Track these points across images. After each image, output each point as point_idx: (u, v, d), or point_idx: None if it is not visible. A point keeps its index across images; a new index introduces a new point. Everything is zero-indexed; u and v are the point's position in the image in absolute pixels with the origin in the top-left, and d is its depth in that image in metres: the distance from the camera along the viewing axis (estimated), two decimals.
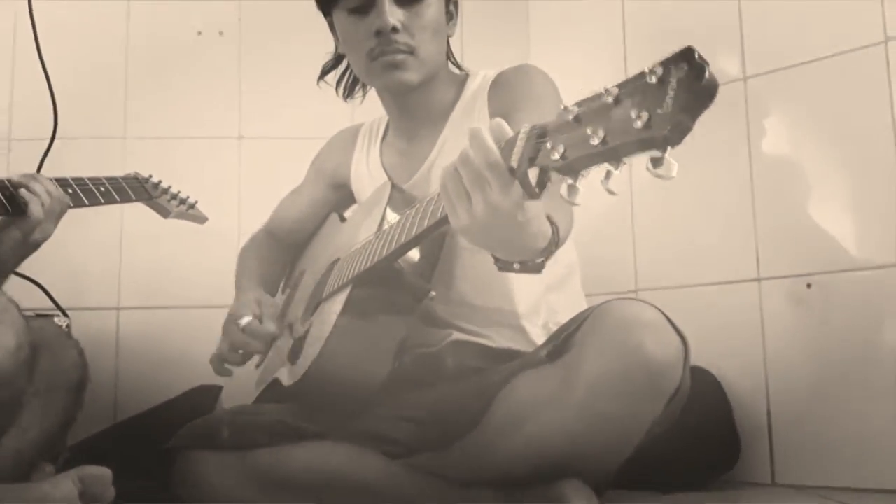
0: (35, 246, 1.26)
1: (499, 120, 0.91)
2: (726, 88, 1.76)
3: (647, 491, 1.51)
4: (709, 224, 1.80)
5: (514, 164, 0.84)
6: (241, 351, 1.42)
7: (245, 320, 1.41)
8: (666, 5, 1.90)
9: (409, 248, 1.21)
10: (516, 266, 1.03)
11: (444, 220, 1.04)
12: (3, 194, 1.22)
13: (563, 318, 1.30)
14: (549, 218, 1.02)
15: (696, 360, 1.29)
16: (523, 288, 1.40)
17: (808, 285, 1.64)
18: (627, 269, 1.93)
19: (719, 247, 1.78)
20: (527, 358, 1.27)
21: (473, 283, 1.40)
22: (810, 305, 1.64)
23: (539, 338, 1.36)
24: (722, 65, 1.78)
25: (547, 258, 1.04)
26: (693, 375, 1.19)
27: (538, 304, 1.41)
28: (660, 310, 1.16)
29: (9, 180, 1.24)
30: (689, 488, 1.57)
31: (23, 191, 1.23)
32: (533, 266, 1.04)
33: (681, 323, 1.16)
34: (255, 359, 1.50)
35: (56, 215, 1.28)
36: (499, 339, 1.39)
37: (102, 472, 1.19)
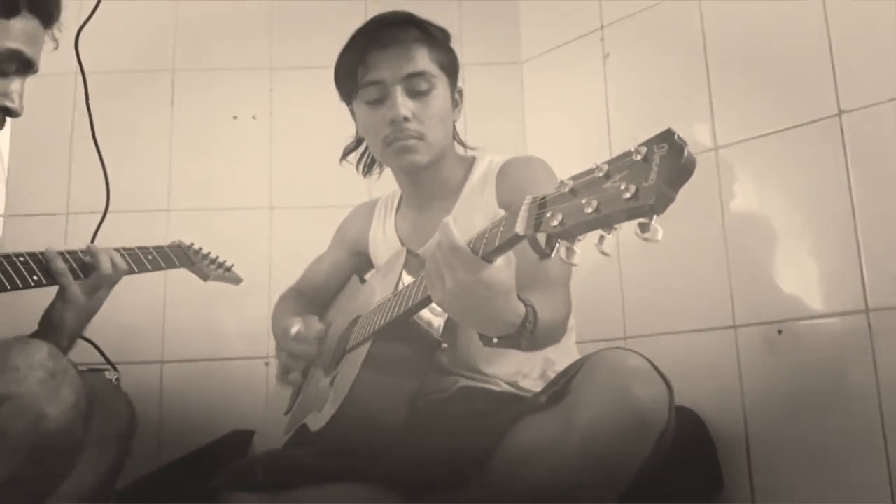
0: (96, 311, 1.27)
1: (448, 219, 0.99)
2: (700, 157, 1.77)
3: None
4: (688, 278, 1.79)
5: (520, 231, 0.85)
6: (300, 360, 1.44)
7: (294, 329, 1.43)
8: (645, 83, 1.92)
9: (421, 308, 1.20)
10: (495, 340, 1.07)
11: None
12: (75, 262, 1.23)
13: (560, 367, 1.29)
14: (522, 299, 1.06)
15: (679, 399, 1.28)
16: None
17: (780, 331, 1.63)
18: (616, 317, 1.92)
19: (698, 298, 1.77)
20: (528, 402, 1.24)
21: (476, 342, 1.40)
22: (782, 349, 1.63)
23: (536, 386, 1.34)
24: (695, 135, 1.79)
25: (526, 336, 1.07)
26: (678, 414, 1.16)
27: (534, 361, 1.40)
28: (646, 358, 1.15)
29: (80, 251, 1.26)
30: None
31: (90, 259, 1.25)
32: (510, 341, 1.07)
33: (665, 366, 1.15)
34: (286, 405, 1.49)
35: (114, 283, 1.28)
36: (503, 385, 1.38)
37: None
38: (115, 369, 1.77)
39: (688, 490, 1.59)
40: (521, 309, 1.06)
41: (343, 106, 1.51)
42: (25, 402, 0.92)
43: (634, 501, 1.33)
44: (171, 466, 1.73)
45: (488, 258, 0.97)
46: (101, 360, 1.83)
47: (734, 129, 1.74)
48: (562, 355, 1.35)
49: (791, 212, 1.67)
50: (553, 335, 1.23)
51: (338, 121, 1.55)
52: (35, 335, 1.24)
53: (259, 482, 1.27)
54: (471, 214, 1.39)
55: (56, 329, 1.24)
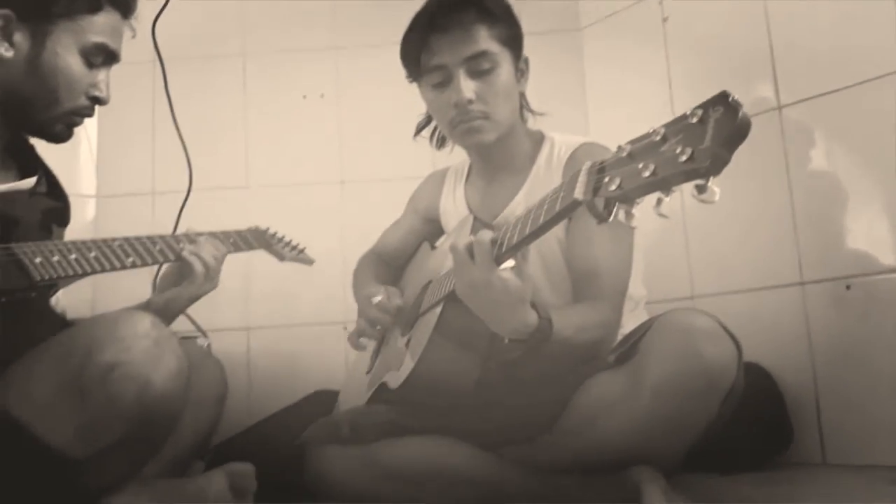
0: (204, 294, 1.34)
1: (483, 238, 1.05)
2: (764, 116, 1.74)
3: (708, 473, 1.50)
4: (754, 235, 1.77)
5: (580, 196, 0.86)
6: (377, 327, 1.48)
7: (377, 298, 1.47)
8: (705, 46, 1.89)
9: None
10: (506, 340, 1.14)
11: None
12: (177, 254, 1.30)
13: (628, 329, 1.31)
14: (536, 309, 1.12)
15: (748, 356, 1.28)
16: None
17: (848, 287, 1.60)
18: (683, 277, 1.91)
19: (765, 255, 1.75)
20: (598, 362, 1.27)
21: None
22: (850, 305, 1.60)
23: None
24: (758, 95, 1.76)
25: (532, 345, 1.13)
26: (746, 370, 1.18)
27: None
28: (715, 317, 1.16)
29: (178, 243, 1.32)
30: (746, 470, 1.55)
31: (186, 253, 1.31)
32: (520, 345, 1.13)
33: (733, 324, 1.16)
34: (366, 365, 1.55)
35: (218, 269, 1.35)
36: None
37: (246, 468, 1.21)
38: (205, 336, 1.86)
39: (756, 442, 1.60)
40: (533, 320, 1.11)
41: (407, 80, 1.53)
42: (133, 369, 0.97)
43: (704, 455, 1.36)
44: (261, 424, 1.80)
45: (499, 260, 1.03)
46: (193, 328, 1.91)
47: (797, 87, 1.70)
48: (632, 322, 1.35)
49: (857, 167, 1.64)
50: (582, 349, 1.24)
51: (403, 96, 1.57)
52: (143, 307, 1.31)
53: (344, 436, 1.33)
54: (538, 196, 1.41)
55: (172, 307, 1.32)
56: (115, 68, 1.26)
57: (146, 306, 1.30)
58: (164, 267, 1.37)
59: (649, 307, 1.48)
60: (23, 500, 0.98)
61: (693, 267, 1.91)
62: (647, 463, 1.18)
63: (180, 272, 1.33)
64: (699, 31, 1.91)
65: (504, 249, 1.02)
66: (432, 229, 1.69)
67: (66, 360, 0.97)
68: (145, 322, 1.01)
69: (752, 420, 1.56)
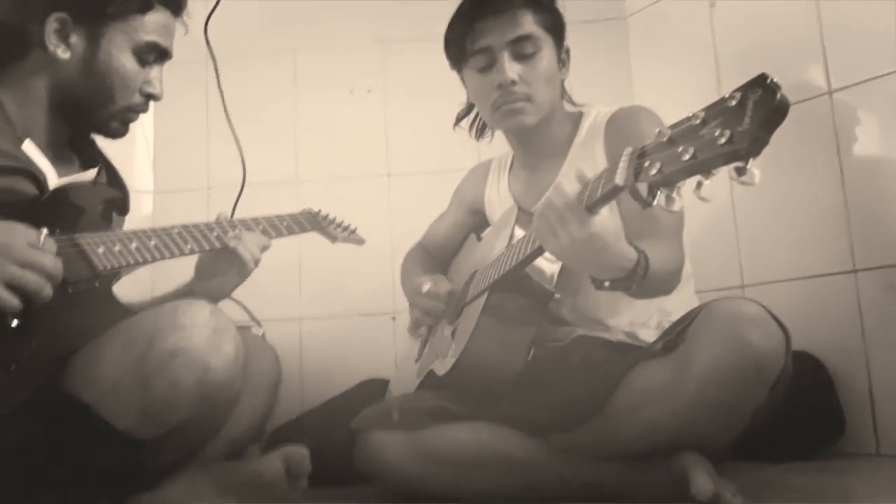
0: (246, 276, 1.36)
1: (580, 170, 1.02)
2: (815, 101, 1.71)
3: (760, 462, 1.49)
4: (805, 223, 1.75)
5: (620, 182, 0.88)
6: (431, 314, 1.51)
7: (426, 287, 1.50)
8: (753, 31, 1.86)
9: (532, 260, 1.25)
10: (606, 284, 1.12)
11: None
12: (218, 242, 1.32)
13: (676, 317, 1.30)
14: (636, 248, 1.10)
15: (799, 345, 1.27)
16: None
17: None
18: (733, 266, 1.89)
19: (816, 243, 1.72)
20: (644, 350, 1.28)
21: (594, 294, 1.40)
22: None
23: (651, 337, 1.36)
24: (808, 79, 1.73)
25: (637, 280, 1.10)
26: (797, 359, 1.17)
27: (651, 310, 1.41)
28: (763, 305, 1.15)
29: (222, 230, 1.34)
30: (797, 460, 1.53)
31: (234, 242, 1.32)
32: (622, 284, 1.11)
33: (783, 313, 1.15)
34: (416, 354, 1.58)
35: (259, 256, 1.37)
36: (617, 334, 1.40)
37: (301, 451, 1.25)
38: (259, 326, 1.91)
39: (808, 432, 1.58)
40: (633, 254, 1.10)
41: (451, 74, 1.56)
42: (194, 356, 1.01)
43: (754, 444, 1.35)
44: (314, 411, 1.85)
45: (592, 209, 1.00)
46: (246, 317, 1.92)
47: (849, 71, 1.67)
48: (679, 305, 1.36)
49: None
50: (665, 284, 1.25)
51: (447, 89, 1.59)
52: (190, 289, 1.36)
53: (394, 422, 1.36)
54: (582, 168, 1.41)
55: (217, 294, 1.35)
56: (169, 67, 1.30)
57: (188, 292, 1.34)
58: (201, 254, 1.37)
59: (699, 297, 1.47)
60: (90, 480, 1.03)
61: (743, 256, 1.89)
62: (694, 450, 1.18)
63: (224, 259, 1.33)
64: (747, 16, 1.88)
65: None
66: (478, 221, 1.71)
67: (131, 347, 1.02)
68: (205, 311, 1.05)
69: (804, 409, 1.55)
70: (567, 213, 1.01)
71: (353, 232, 1.66)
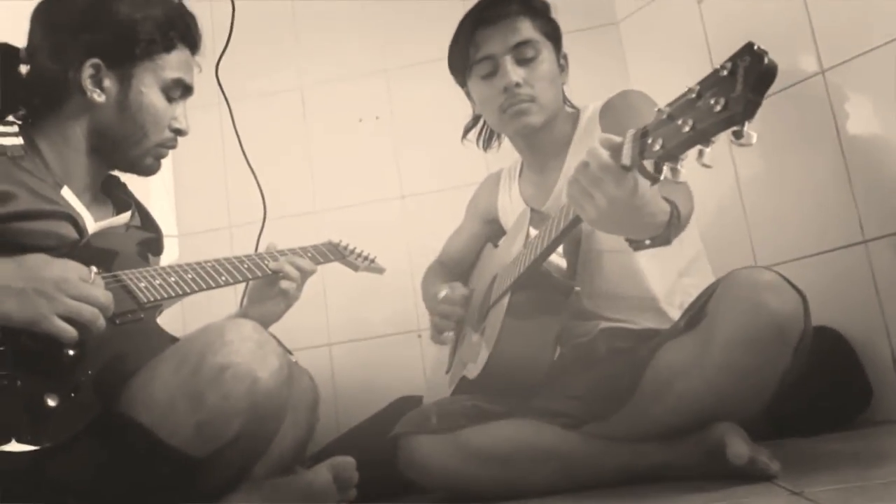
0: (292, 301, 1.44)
1: (605, 135, 1.00)
2: (809, 82, 1.75)
3: (794, 437, 1.50)
4: (811, 200, 1.77)
5: (627, 162, 0.93)
6: (450, 319, 1.55)
7: (442, 294, 1.56)
8: (742, 22, 1.91)
9: (551, 251, 1.29)
10: (647, 242, 1.09)
11: (576, 220, 1.13)
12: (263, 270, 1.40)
13: (692, 284, 1.34)
14: (665, 199, 1.09)
15: (818, 320, 1.28)
16: (658, 277, 1.44)
17: None
18: (745, 249, 1.91)
19: (824, 218, 1.75)
20: (668, 331, 1.31)
21: (614, 278, 1.45)
22: None
23: (676, 317, 1.38)
24: (800, 63, 1.77)
25: (673, 231, 1.09)
26: (818, 334, 1.19)
27: (673, 288, 1.44)
28: (777, 271, 1.18)
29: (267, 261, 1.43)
30: (830, 430, 1.55)
31: (288, 268, 1.41)
32: (661, 239, 1.09)
33: None
34: (446, 366, 1.61)
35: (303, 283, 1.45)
36: (641, 322, 1.43)
37: (348, 461, 1.29)
38: (291, 354, 1.94)
39: (836, 406, 1.60)
40: (667, 206, 1.09)
41: (456, 94, 1.62)
42: (242, 369, 1.06)
43: (789, 421, 1.36)
44: (353, 431, 1.89)
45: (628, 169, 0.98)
46: None
47: (839, 50, 1.71)
48: (699, 284, 1.38)
49: None
50: (686, 224, 1.22)
51: (451, 108, 1.65)
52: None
53: (433, 426, 1.39)
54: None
55: (268, 319, 1.42)
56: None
57: (242, 316, 1.40)
58: (251, 283, 1.45)
59: None
60: (149, 501, 1.07)
61: (754, 238, 1.91)
62: (727, 419, 1.20)
63: (272, 286, 1.41)
64: (735, 8, 1.92)
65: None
66: (493, 230, 1.76)
67: (182, 366, 1.06)
68: (248, 327, 1.11)
69: (830, 383, 1.58)
70: (602, 173, 0.97)
71: (373, 261, 1.70)
